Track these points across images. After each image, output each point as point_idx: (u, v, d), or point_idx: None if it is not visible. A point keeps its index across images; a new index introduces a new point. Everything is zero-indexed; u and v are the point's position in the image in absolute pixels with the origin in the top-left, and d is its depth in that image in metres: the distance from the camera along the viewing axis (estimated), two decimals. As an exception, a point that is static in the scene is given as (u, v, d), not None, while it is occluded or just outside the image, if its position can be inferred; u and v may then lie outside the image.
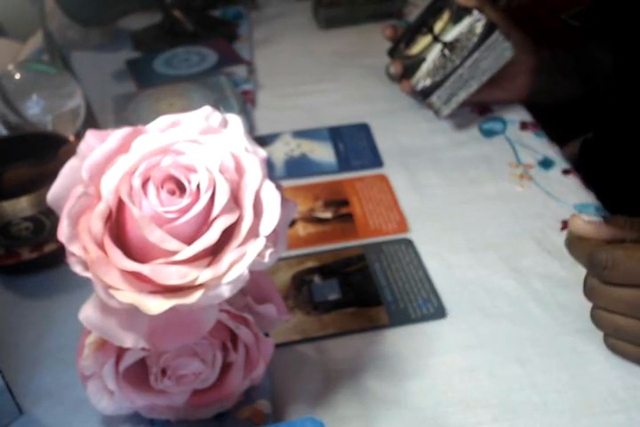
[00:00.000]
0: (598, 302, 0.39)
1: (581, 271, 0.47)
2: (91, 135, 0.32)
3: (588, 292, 0.39)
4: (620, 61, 0.63)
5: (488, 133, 0.63)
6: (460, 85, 0.60)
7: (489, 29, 0.58)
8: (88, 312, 0.30)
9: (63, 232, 0.29)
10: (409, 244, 0.50)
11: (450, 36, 0.61)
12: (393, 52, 0.70)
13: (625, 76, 0.63)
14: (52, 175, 0.31)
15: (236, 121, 0.33)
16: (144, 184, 0.30)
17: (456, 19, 0.61)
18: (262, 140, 0.64)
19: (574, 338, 0.42)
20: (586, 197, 0.54)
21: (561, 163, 0.58)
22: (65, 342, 0.44)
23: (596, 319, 0.39)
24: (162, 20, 0.84)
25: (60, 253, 0.30)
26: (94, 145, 0.31)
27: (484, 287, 0.46)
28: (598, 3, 0.68)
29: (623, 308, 0.37)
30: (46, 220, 0.48)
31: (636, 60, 0.61)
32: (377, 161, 0.61)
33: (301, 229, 0.53)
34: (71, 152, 0.32)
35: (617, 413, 0.37)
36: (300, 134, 0.65)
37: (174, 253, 0.29)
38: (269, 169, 0.38)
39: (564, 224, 0.51)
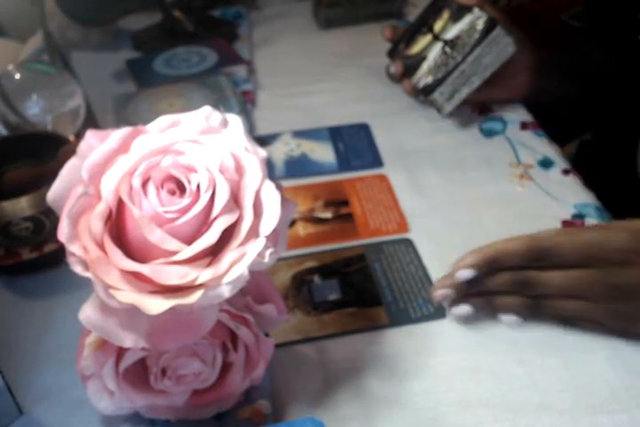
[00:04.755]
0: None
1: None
2: (91, 135, 0.32)
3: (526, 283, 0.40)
4: (618, 61, 0.63)
5: (488, 133, 0.63)
6: (462, 82, 0.60)
7: (490, 25, 0.58)
8: (88, 312, 0.30)
9: (63, 232, 0.29)
10: (409, 244, 0.50)
11: (450, 34, 0.61)
12: (392, 53, 0.70)
13: (622, 76, 0.63)
14: (52, 175, 0.31)
15: (236, 121, 0.33)
16: (144, 184, 0.30)
17: (456, 17, 0.61)
18: (262, 140, 0.64)
19: (574, 338, 0.42)
20: (586, 197, 0.54)
21: (561, 163, 0.58)
22: (65, 342, 0.44)
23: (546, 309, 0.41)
24: (162, 20, 0.84)
25: (60, 253, 0.30)
26: (94, 145, 0.32)
27: (484, 287, 0.46)
28: (592, 3, 0.68)
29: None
30: (46, 220, 0.48)
31: (632, 60, 0.61)
32: (377, 161, 0.61)
33: (301, 229, 0.53)
34: (71, 152, 0.32)
35: (617, 413, 0.37)
36: (300, 134, 0.65)
37: (174, 253, 0.29)
38: (269, 169, 0.38)
39: (564, 224, 0.51)
